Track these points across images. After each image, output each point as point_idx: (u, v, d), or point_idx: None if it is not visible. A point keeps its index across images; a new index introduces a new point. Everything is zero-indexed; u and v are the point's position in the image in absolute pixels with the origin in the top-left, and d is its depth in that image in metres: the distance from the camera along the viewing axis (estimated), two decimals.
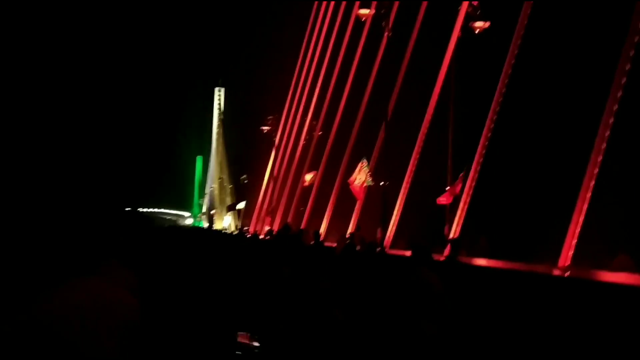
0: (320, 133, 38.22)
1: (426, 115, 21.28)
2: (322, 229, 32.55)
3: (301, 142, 42.06)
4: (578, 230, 13.32)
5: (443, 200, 18.75)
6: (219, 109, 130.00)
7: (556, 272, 13.34)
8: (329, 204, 31.15)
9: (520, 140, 17.76)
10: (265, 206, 51.00)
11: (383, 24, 20.31)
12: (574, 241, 13.33)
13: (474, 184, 18.06)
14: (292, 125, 45.47)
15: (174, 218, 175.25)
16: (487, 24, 20.39)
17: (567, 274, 13.16)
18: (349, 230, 27.61)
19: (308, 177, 36.43)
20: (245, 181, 67.26)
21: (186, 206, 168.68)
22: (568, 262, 13.49)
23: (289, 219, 42.27)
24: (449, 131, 19.71)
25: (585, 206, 13.26)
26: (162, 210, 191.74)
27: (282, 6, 50.20)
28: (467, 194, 18.17)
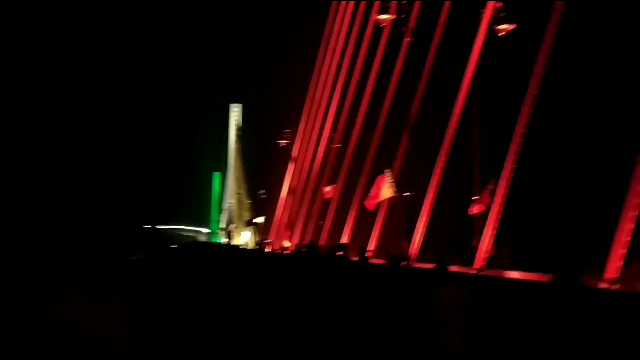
0: (339, 145, 37.39)
1: (450, 122, 20.27)
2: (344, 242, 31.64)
3: (319, 155, 41.25)
4: (627, 239, 12.24)
5: (474, 210, 17.74)
6: (236, 125, 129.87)
7: (603, 285, 12.28)
8: (350, 217, 30.19)
9: (557, 145, 16.72)
10: (283, 220, 50.22)
11: (403, 29, 19.44)
12: (623, 251, 12.24)
13: (506, 191, 17.00)
14: (310, 138, 44.69)
15: (192, 234, 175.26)
16: (513, 27, 19.49)
17: (615, 287, 12.10)
18: (372, 245, 26.71)
19: (327, 189, 35.57)
20: (263, 196, 66.82)
21: (204, 222, 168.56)
22: (616, 275, 12.41)
23: (309, 234, 41.42)
24: (475, 137, 18.74)
25: (635, 214, 12.19)
26: (180, 226, 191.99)
27: (297, 20, 49.67)
28: (499, 203, 17.11)
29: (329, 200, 35.26)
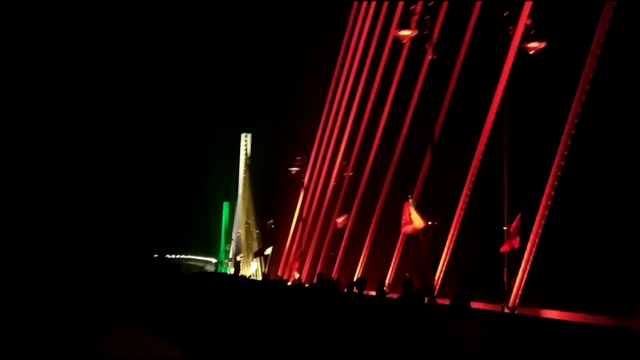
0: (351, 174, 36.02)
1: (478, 146, 18.73)
2: (357, 276, 30.04)
3: (331, 184, 39.87)
4: None
5: (507, 247, 16.13)
6: (246, 154, 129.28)
7: None
8: (365, 248, 28.61)
9: (597, 175, 15.13)
10: (293, 251, 48.78)
11: (427, 45, 18.04)
12: None
13: (543, 222, 15.37)
14: (322, 166, 43.38)
15: (200, 264, 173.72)
16: (543, 45, 18.12)
17: None
18: (388, 279, 25.10)
19: (339, 220, 34.03)
20: (272, 226, 65.57)
21: (213, 252, 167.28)
22: None
23: (319, 265, 39.85)
24: (505, 163, 17.20)
25: None
26: (189, 256, 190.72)
27: (308, 47, 48.88)
28: (536, 235, 15.46)
29: (340, 230, 33.71)
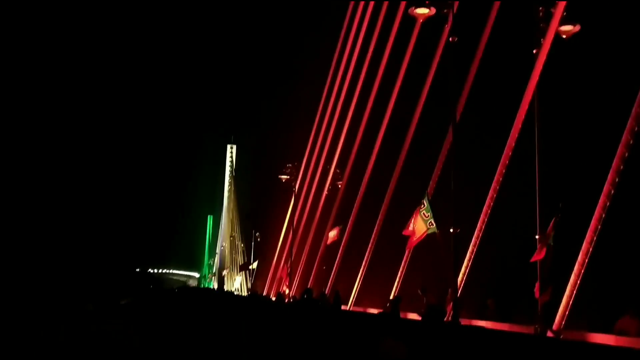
0: (341, 183, 33.64)
1: (506, 148, 16.15)
2: (354, 291, 27.49)
3: (324, 192, 37.40)
4: None
5: (538, 256, 13.69)
6: (231, 165, 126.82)
7: None
8: (364, 260, 26.02)
9: None
10: (281, 265, 46.25)
11: (447, 26, 15.61)
12: None
13: (595, 237, 12.80)
14: (314, 174, 40.94)
15: (183, 279, 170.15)
16: (578, 28, 15.80)
17: None
18: (392, 294, 22.60)
19: (332, 234, 31.46)
20: (259, 239, 63.76)
21: (197, 266, 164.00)
22: None
23: (311, 280, 37.34)
24: (537, 165, 14.76)
25: None
26: (172, 270, 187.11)
27: (299, 51, 46.92)
28: (587, 249, 12.90)
29: (335, 242, 31.13)
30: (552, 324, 12.65)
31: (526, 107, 15.47)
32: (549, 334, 12.60)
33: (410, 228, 15.61)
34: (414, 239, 15.36)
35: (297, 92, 51.08)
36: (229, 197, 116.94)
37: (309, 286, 38.14)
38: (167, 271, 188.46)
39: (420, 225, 15.39)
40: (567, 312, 12.46)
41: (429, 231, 15.27)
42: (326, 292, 29.86)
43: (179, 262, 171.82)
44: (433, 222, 15.31)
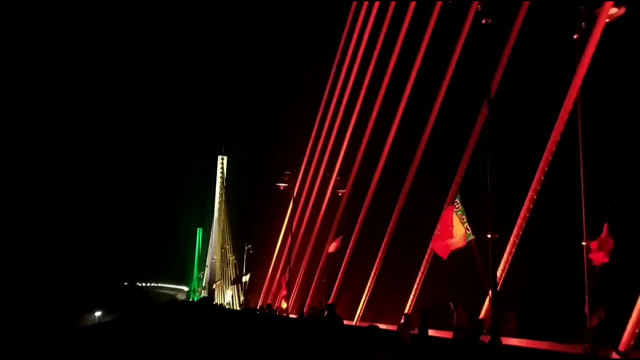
0: (343, 192, 31.98)
1: (548, 145, 14.33)
2: (361, 304, 25.63)
3: (324, 203, 35.70)
4: None
5: (599, 257, 11.88)
6: (222, 176, 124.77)
7: None
8: (372, 272, 24.17)
9: None
10: (277, 278, 44.36)
11: (479, 7, 13.88)
12: None
13: None
14: (313, 183, 39.24)
15: (171, 292, 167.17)
16: (623, 11, 14.18)
17: None
18: (408, 308, 20.77)
19: (333, 245, 29.71)
20: (251, 251, 62.04)
21: (185, 280, 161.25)
22: None
23: (310, 293, 35.47)
24: (581, 159, 13.05)
25: None
26: (160, 284, 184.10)
27: (291, 61, 45.52)
28: None
29: (338, 251, 29.32)
30: (618, 344, 10.87)
31: (573, 97, 13.76)
32: (614, 355, 10.82)
33: (444, 231, 13.55)
34: (450, 242, 13.34)
35: (291, 100, 49.67)
36: (219, 208, 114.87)
37: (307, 301, 36.33)
38: (156, 285, 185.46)
39: (459, 228, 13.44)
40: (637, 330, 10.67)
41: (468, 238, 13.33)
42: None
43: (168, 275, 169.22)
44: (469, 226, 13.43)
